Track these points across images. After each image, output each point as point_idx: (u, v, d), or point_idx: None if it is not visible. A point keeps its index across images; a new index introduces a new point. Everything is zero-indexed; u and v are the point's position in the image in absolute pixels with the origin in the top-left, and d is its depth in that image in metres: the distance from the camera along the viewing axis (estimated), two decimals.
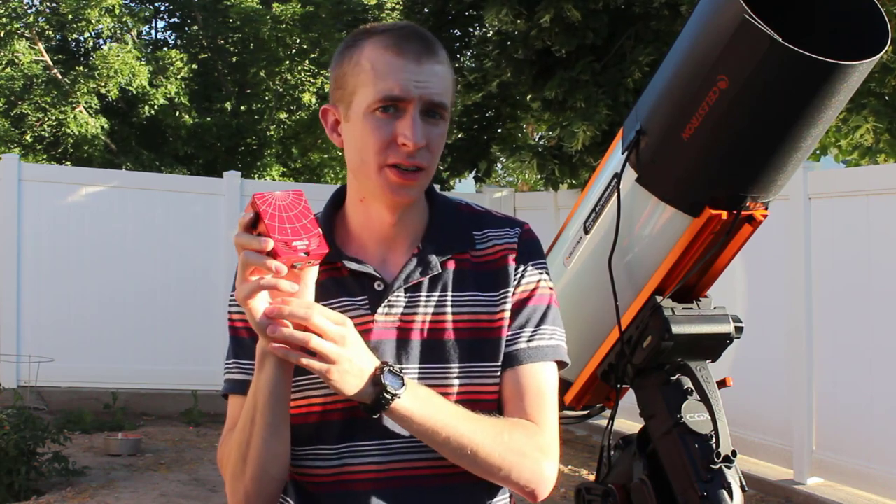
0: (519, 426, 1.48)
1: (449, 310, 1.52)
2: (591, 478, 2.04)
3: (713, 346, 1.90)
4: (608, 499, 1.91)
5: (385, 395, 1.36)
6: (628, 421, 2.78)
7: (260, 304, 1.34)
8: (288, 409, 1.44)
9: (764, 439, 6.43)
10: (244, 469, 1.45)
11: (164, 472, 6.70)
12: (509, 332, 1.53)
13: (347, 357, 1.34)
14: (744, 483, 1.76)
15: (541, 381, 1.53)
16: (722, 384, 1.86)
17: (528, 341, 1.53)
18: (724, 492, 1.72)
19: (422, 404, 1.40)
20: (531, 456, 1.47)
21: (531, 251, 1.58)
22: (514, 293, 1.54)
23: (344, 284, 1.53)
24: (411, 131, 1.45)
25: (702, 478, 1.74)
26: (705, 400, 1.79)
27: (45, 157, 13.76)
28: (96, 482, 6.28)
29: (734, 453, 1.75)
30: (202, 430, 8.14)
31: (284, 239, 1.29)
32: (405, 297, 1.52)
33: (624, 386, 1.99)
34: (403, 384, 1.38)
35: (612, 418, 1.97)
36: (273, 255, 1.30)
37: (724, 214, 1.76)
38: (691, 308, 1.89)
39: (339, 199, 1.61)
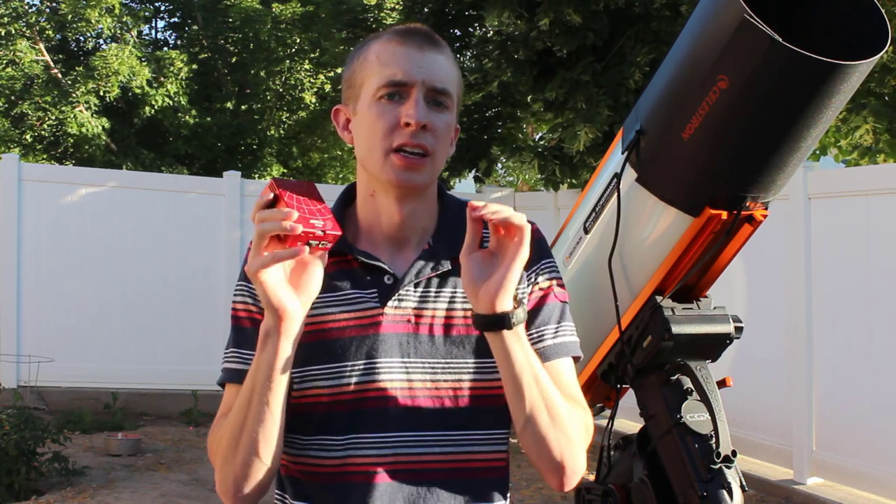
0: (574, 408, 1.51)
1: (459, 306, 1.53)
2: (591, 478, 2.04)
3: (713, 346, 1.90)
4: (608, 499, 1.91)
5: (516, 315, 1.40)
6: (628, 421, 2.78)
7: (271, 278, 1.34)
8: (284, 393, 1.42)
9: (764, 439, 6.44)
10: (235, 453, 1.43)
11: (164, 472, 6.71)
12: (533, 330, 1.54)
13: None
14: (744, 483, 1.76)
15: (570, 374, 1.56)
16: (722, 384, 1.85)
17: (554, 338, 1.55)
18: (724, 492, 1.72)
19: (526, 342, 1.44)
20: (582, 441, 1.50)
21: (540, 250, 1.59)
22: (531, 292, 1.56)
23: (354, 276, 1.53)
24: (414, 110, 1.48)
25: (702, 478, 1.74)
26: (705, 400, 1.79)
27: (45, 157, 13.77)
28: (96, 482, 6.28)
29: (734, 453, 1.75)
30: (202, 430, 8.14)
31: (302, 216, 1.32)
32: (415, 292, 1.53)
33: (624, 386, 1.99)
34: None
35: (612, 418, 1.97)
36: (287, 238, 1.33)
37: (724, 214, 1.76)
38: (691, 308, 1.89)
39: (349, 196, 1.62)
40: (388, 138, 1.49)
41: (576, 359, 1.59)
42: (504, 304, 1.39)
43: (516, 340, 1.41)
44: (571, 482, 1.52)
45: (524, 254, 1.39)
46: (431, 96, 1.50)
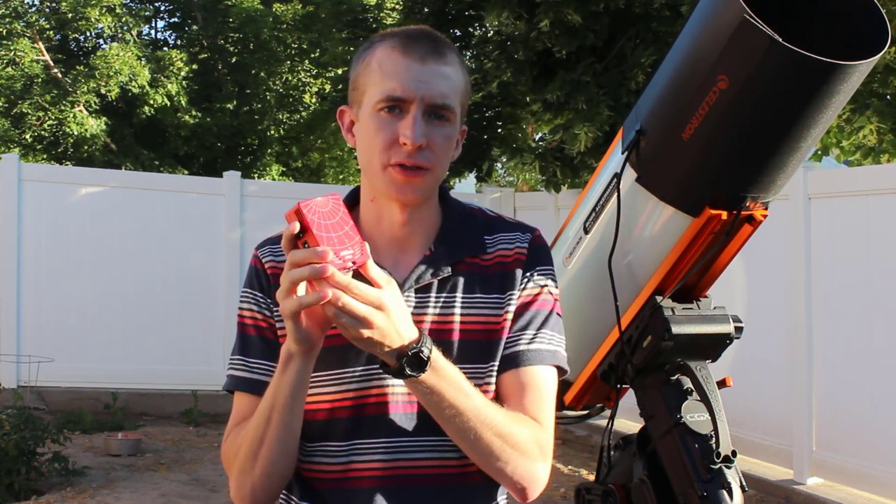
0: (524, 422, 1.48)
1: (457, 311, 1.54)
2: (591, 478, 2.04)
3: (713, 346, 1.90)
4: (608, 499, 1.91)
5: (405, 371, 1.36)
6: (628, 421, 2.78)
7: (304, 318, 1.35)
8: (302, 408, 1.45)
9: (764, 439, 6.44)
10: (254, 465, 1.46)
11: (164, 472, 6.70)
12: (509, 334, 1.54)
13: (382, 325, 1.32)
14: (744, 483, 1.76)
15: (540, 381, 1.54)
16: (722, 384, 1.85)
17: (529, 343, 1.54)
18: (724, 492, 1.72)
19: (438, 380, 1.39)
20: (530, 453, 1.48)
21: (540, 257, 1.59)
22: (518, 296, 1.55)
23: None
24: (411, 130, 1.46)
25: (702, 478, 1.74)
26: (705, 400, 1.79)
27: (45, 157, 13.77)
28: (96, 482, 6.28)
29: (734, 453, 1.75)
30: (202, 430, 8.14)
31: (333, 249, 1.29)
32: (415, 298, 1.53)
33: (624, 386, 1.99)
34: (427, 367, 1.36)
35: (612, 418, 1.97)
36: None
37: (724, 214, 1.76)
38: (691, 308, 1.89)
39: (352, 200, 1.62)
40: (386, 153, 1.48)
41: (560, 371, 1.57)
42: (390, 359, 1.36)
43: (420, 385, 1.39)
44: (528, 498, 1.52)
45: (351, 334, 1.33)
46: (431, 110, 1.49)
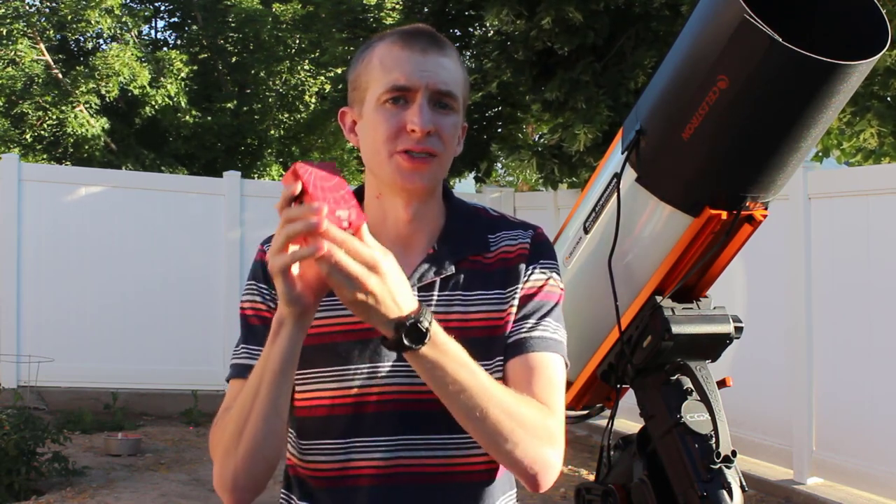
0: (533, 405, 1.45)
1: (460, 308, 1.53)
2: (591, 478, 2.04)
3: (713, 346, 1.90)
4: (608, 499, 1.91)
5: (404, 343, 1.32)
6: (628, 421, 2.78)
7: (290, 274, 1.31)
8: (291, 385, 1.42)
9: (764, 439, 6.44)
10: (238, 445, 1.42)
11: (164, 472, 6.71)
12: (513, 324, 1.53)
13: (375, 290, 1.28)
14: (744, 483, 1.76)
15: (548, 367, 1.51)
16: (722, 384, 1.85)
17: (531, 331, 1.53)
18: (724, 492, 1.72)
19: (439, 354, 1.35)
20: (540, 435, 1.44)
21: (542, 252, 1.59)
22: (522, 289, 1.55)
23: None
24: (418, 117, 1.46)
25: (702, 478, 1.74)
26: (705, 400, 1.79)
27: (45, 157, 13.78)
28: (96, 482, 6.28)
29: (734, 453, 1.75)
30: (202, 430, 8.13)
31: (329, 207, 1.27)
32: (418, 297, 1.52)
33: (624, 386, 1.99)
34: (426, 339, 1.32)
35: (612, 418, 1.97)
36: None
37: (724, 214, 1.76)
38: (691, 308, 1.89)
39: (356, 199, 1.61)
40: (392, 142, 1.48)
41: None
42: (388, 330, 1.32)
43: (422, 360, 1.35)
44: (539, 486, 1.47)
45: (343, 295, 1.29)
46: (436, 99, 1.49)
